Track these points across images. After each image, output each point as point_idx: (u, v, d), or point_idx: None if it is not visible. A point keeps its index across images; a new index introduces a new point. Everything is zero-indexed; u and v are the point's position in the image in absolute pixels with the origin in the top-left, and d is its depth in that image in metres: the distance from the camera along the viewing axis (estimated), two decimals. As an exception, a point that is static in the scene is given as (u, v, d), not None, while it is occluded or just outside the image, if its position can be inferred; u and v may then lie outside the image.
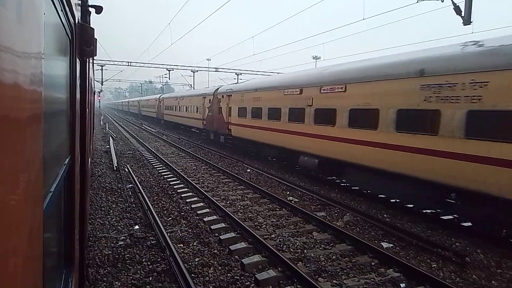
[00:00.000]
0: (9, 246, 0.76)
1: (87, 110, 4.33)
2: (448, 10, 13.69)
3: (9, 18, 0.73)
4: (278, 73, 44.94)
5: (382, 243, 8.41)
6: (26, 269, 0.91)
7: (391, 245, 8.36)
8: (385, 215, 10.50)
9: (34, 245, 1.00)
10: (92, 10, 4.12)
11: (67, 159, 2.17)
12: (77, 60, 2.52)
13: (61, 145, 1.97)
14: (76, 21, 2.42)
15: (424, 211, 10.89)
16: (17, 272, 0.83)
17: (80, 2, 2.92)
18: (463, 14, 13.16)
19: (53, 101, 1.59)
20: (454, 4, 13.32)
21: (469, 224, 9.79)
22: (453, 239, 8.67)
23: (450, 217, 10.45)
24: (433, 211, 11.02)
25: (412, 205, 11.54)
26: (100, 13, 4.16)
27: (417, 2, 14.98)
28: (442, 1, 13.84)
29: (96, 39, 3.18)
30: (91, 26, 3.11)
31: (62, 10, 1.72)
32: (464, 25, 13.22)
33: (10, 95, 0.74)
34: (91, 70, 8.27)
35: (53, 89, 1.60)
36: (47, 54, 1.32)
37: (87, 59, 3.24)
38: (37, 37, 1.02)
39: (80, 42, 2.58)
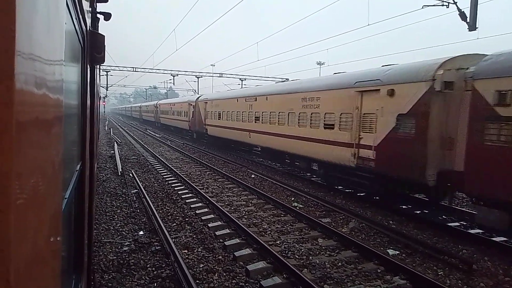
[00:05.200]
0: (31, 250, 0.77)
1: (94, 115, 4.36)
2: (454, 16, 13.70)
3: (40, 28, 0.74)
4: (282, 79, 45.09)
5: (388, 250, 8.35)
6: (47, 272, 0.92)
7: (397, 252, 8.30)
8: (391, 222, 10.44)
9: (54, 249, 1.01)
10: (100, 17, 4.16)
11: (79, 165, 2.18)
12: (88, 66, 2.55)
13: (74, 150, 1.99)
14: (87, 28, 2.45)
15: (431, 218, 10.82)
16: (39, 275, 0.84)
17: (90, 9, 2.96)
18: (468, 20, 13.16)
19: (68, 107, 1.61)
20: (459, 10, 13.34)
21: (477, 231, 9.72)
22: (460, 246, 8.60)
23: (457, 224, 10.39)
24: (439, 217, 10.96)
25: (418, 211, 11.49)
26: (108, 19, 4.21)
27: (422, 8, 15.01)
28: (447, 7, 13.86)
29: (105, 46, 3.21)
30: (101, 33, 3.14)
31: (76, 18, 1.74)
32: (470, 31, 13.22)
33: (38, 101, 0.75)
34: (98, 75, 8.34)
35: (68, 95, 1.62)
36: (65, 61, 1.34)
37: (96, 66, 3.27)
38: (60, 45, 1.04)
39: (91, 49, 2.61)
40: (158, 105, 54.94)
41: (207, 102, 29.87)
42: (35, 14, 0.69)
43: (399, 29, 25.74)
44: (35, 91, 0.70)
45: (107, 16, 4.18)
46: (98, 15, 4.10)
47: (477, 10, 13.44)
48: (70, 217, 1.99)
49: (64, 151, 1.27)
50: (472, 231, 9.62)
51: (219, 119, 26.71)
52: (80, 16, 1.91)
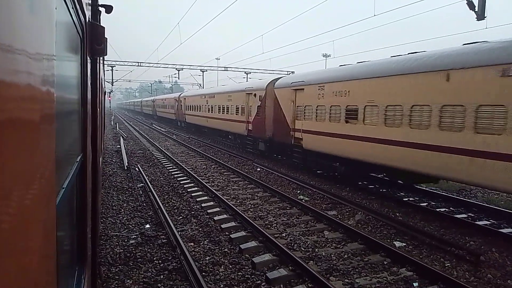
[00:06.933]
0: (24, 242, 0.75)
1: (98, 109, 4.35)
2: (461, 5, 13.47)
3: (22, 11, 0.71)
4: (288, 71, 44.74)
5: (394, 242, 8.32)
6: (40, 265, 0.91)
7: (404, 244, 8.26)
8: (397, 214, 10.38)
9: (48, 241, 1.00)
10: (102, 9, 4.13)
11: (79, 157, 2.17)
12: (88, 59, 2.53)
13: (73, 142, 1.97)
14: (87, 20, 2.43)
15: (437, 209, 10.75)
16: (31, 268, 0.82)
17: (90, 1, 2.94)
18: (476, 9, 12.93)
19: (65, 98, 1.59)
20: (467, -1, 13.09)
21: (484, 222, 9.65)
22: (467, 237, 8.53)
23: (464, 215, 10.30)
24: (446, 209, 10.88)
25: (425, 204, 11.41)
26: (110, 12, 4.18)
27: (429, -3, 14.76)
28: (455, -4, 13.61)
29: (106, 39, 3.19)
30: (101, 24, 3.12)
31: (73, 8, 1.72)
32: (478, 20, 13.00)
33: (24, 94, 0.73)
34: (101, 70, 8.34)
35: (65, 87, 1.60)
36: (59, 52, 1.31)
37: (98, 58, 3.25)
38: (49, 31, 1.01)
39: (91, 40, 2.59)
40: (181, 98, 41.15)
41: (308, 86, 15.30)
42: (15, 4, 0.66)
43: (406, 20, 25.43)
44: (15, 85, 0.67)
45: (109, 9, 4.15)
46: (100, 8, 4.07)
47: (485, -2, 13.18)
48: (70, 209, 1.98)
49: (59, 143, 1.25)
50: (479, 223, 9.55)
51: (368, 123, 11.78)
52: (78, 7, 1.89)
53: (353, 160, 12.65)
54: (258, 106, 20.32)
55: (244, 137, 22.98)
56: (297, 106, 16.30)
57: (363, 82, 12.17)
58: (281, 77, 19.40)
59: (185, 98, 39.64)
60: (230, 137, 26.90)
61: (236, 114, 23.67)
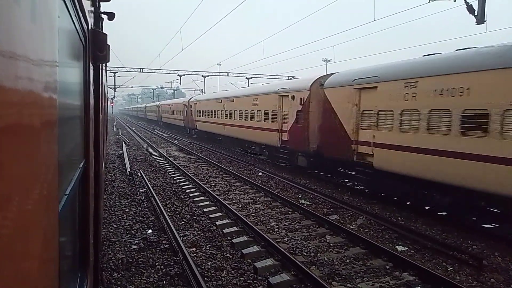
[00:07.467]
0: (26, 248, 0.77)
1: (101, 115, 4.39)
2: (461, 9, 13.52)
3: (25, 19, 0.74)
4: (288, 76, 44.83)
5: (396, 246, 8.30)
6: (42, 270, 0.92)
7: (406, 248, 8.24)
8: (399, 218, 10.36)
9: (50, 246, 1.01)
10: (104, 16, 4.18)
11: (82, 163, 2.20)
12: (91, 65, 2.56)
13: (75, 149, 2.00)
14: (89, 27, 2.47)
15: (439, 213, 10.71)
16: (33, 273, 0.84)
17: (93, 8, 2.98)
18: (476, 13, 12.98)
19: (67, 105, 1.62)
20: (466, 3, 13.15)
21: (487, 226, 9.61)
22: (469, 241, 8.50)
23: (466, 219, 10.25)
24: (448, 213, 10.84)
25: (427, 208, 11.37)
26: (112, 19, 4.23)
27: (429, 2, 14.83)
28: (455, 1, 13.67)
29: (109, 46, 3.23)
30: (103, 31, 3.16)
31: (75, 16, 1.75)
32: (478, 24, 13.04)
33: (26, 100, 0.75)
34: (104, 76, 8.40)
35: (68, 93, 1.63)
36: (62, 58, 1.34)
37: (100, 65, 3.29)
38: (52, 39, 1.03)
39: (93, 48, 2.63)
40: (191, 103, 36.12)
41: (385, 84, 11.31)
42: (15, 11, 0.67)
43: (406, 24, 25.49)
44: (17, 92, 0.69)
45: (111, 16, 4.20)
46: (102, 15, 4.12)
47: (485, 2, 13.23)
48: (73, 215, 2.00)
49: (61, 150, 1.27)
50: (482, 226, 9.51)
51: None
52: (81, 15, 1.92)
53: (470, 190, 8.78)
54: (298, 111, 16.23)
55: (276, 149, 18.62)
56: (363, 111, 12.26)
57: (502, 74, 7.98)
58: (332, 74, 15.25)
59: (195, 103, 34.75)
60: (253, 147, 22.70)
61: (265, 121, 19.45)
